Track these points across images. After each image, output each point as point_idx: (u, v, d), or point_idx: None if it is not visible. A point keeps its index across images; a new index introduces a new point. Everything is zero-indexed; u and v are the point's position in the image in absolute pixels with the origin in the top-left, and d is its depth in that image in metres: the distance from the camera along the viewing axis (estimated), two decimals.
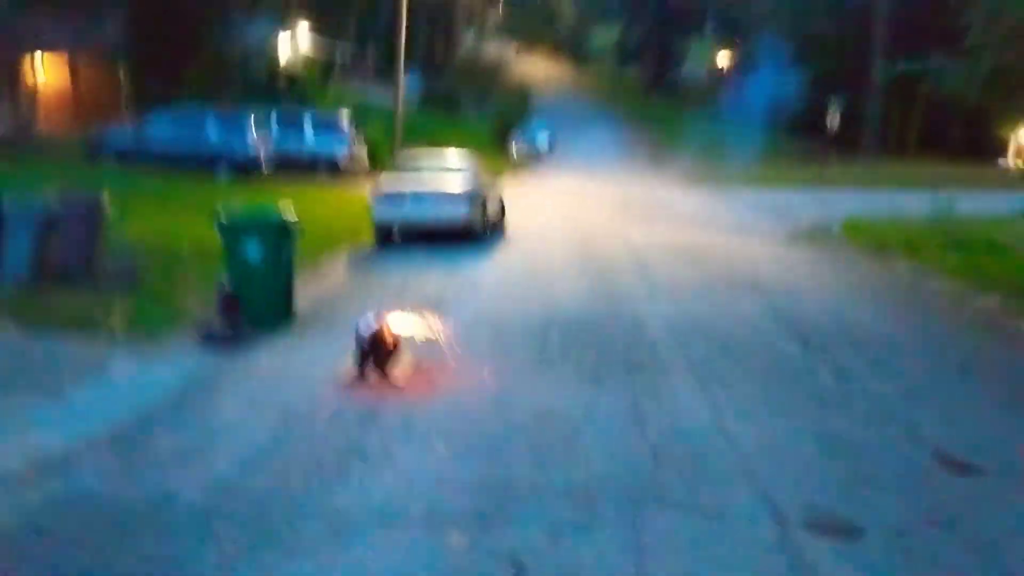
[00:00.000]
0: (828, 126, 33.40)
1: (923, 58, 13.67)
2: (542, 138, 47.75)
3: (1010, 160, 37.39)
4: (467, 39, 71.91)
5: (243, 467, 5.64)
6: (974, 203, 18.80)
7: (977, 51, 10.54)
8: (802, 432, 6.49)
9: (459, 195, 16.03)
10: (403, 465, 5.73)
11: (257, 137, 24.71)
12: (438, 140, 34.37)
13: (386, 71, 45.06)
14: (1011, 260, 14.17)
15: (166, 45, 28.32)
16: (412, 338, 7.88)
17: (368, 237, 16.41)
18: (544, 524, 4.91)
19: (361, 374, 7.53)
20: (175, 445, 6.02)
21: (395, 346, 8.02)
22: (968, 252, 14.84)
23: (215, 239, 9.73)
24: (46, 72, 31.26)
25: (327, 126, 28.47)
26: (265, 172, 24.82)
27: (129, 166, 22.32)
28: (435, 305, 10.74)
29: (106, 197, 10.51)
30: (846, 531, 4.96)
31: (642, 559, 4.59)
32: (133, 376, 7.49)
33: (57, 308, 8.96)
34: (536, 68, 77.30)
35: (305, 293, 10.76)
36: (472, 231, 16.14)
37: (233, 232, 9.34)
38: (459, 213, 15.86)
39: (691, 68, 71.76)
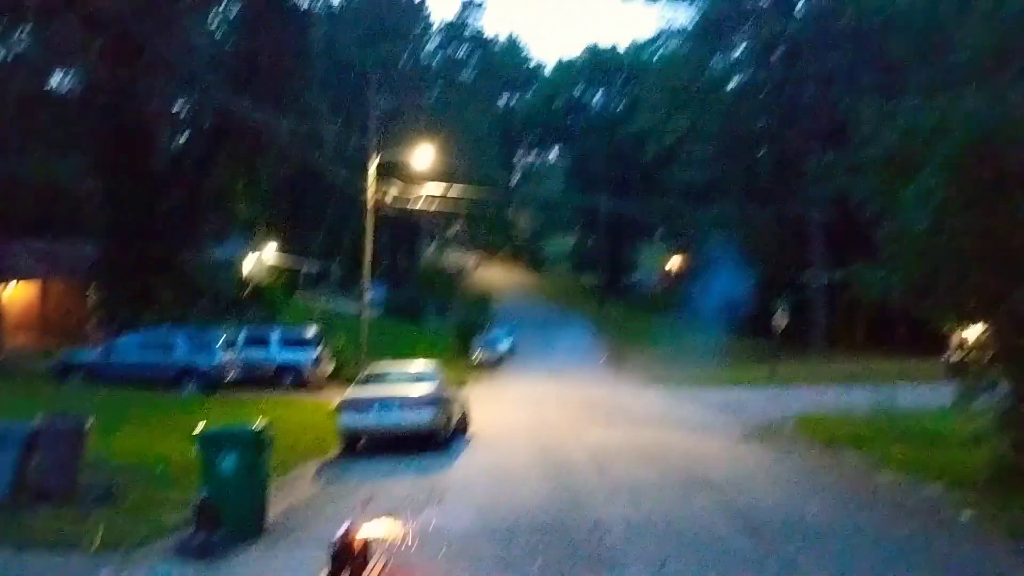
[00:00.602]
0: (775, 328, 34.96)
1: (847, 266, 14.87)
2: (503, 343, 48.88)
3: (951, 354, 38.87)
4: (429, 250, 74.52)
5: None
6: (918, 396, 19.73)
7: (892, 262, 11.69)
8: None
9: (424, 403, 16.63)
10: None
11: (224, 352, 25.34)
12: (403, 347, 35.25)
13: (351, 281, 46.58)
14: (951, 452, 14.88)
15: (137, 266, 29.38)
16: (383, 546, 8.27)
17: (335, 447, 16.82)
18: None
19: None
20: None
21: (366, 556, 8.37)
22: (911, 444, 15.58)
23: (188, 454, 10.20)
24: (16, 293, 31.96)
25: (293, 339, 29.26)
26: (232, 387, 25.29)
27: (98, 385, 22.66)
28: (403, 512, 11.12)
29: (88, 419, 10.99)
30: None
31: None
32: None
33: (39, 526, 9.24)
34: (496, 275, 79.92)
35: (277, 503, 11.10)
36: (437, 437, 16.64)
37: (210, 447, 9.83)
38: (424, 420, 16.40)
39: (644, 273, 74.77)
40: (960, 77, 10.27)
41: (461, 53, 63.88)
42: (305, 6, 37.93)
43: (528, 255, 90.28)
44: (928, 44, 12.48)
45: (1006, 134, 9.33)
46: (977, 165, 9.67)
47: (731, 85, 48.48)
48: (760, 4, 45.08)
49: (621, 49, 79.03)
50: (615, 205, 64.35)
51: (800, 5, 44.77)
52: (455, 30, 62.44)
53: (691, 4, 49.21)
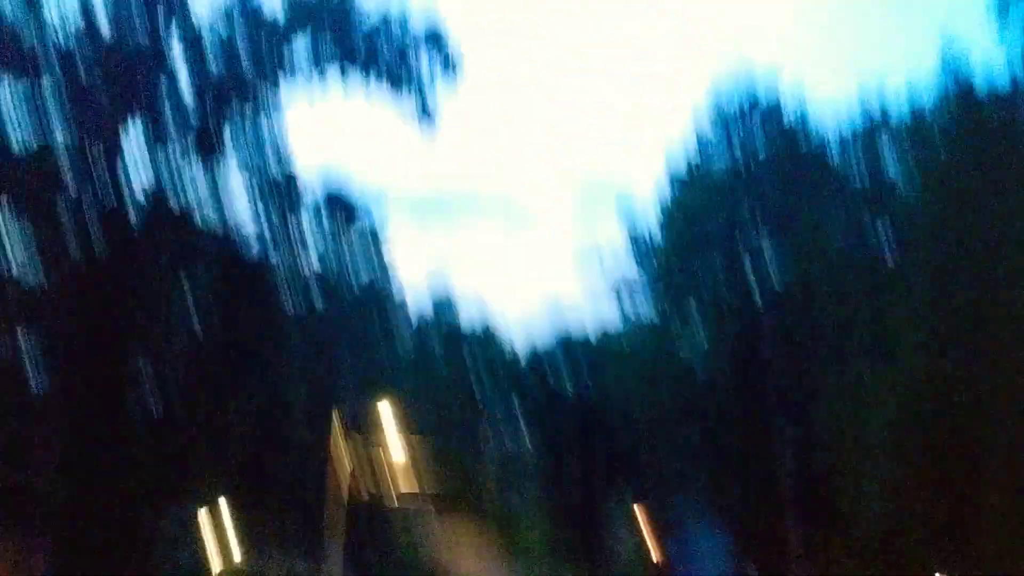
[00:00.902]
0: None
1: (821, 524, 14.88)
2: None
3: None
4: (393, 514, 72.94)
5: None
6: None
7: (858, 535, 11.68)
8: None
9: None
10: None
11: None
12: None
13: (314, 544, 44.91)
14: None
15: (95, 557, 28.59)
16: None
17: None
18: None
19: None
20: None
21: None
22: None
23: None
24: None
25: None
26: None
27: None
28: None
29: None
30: None
31: None
32: None
33: None
34: (462, 535, 77.66)
35: None
36: None
37: None
38: None
39: (614, 532, 73.26)
40: (897, 348, 10.80)
41: (435, 345, 68.11)
42: (284, 303, 39.83)
43: (495, 515, 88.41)
44: (869, 315, 13.19)
45: (939, 404, 9.70)
46: (919, 439, 9.96)
47: (693, 355, 50.84)
48: (715, 293, 48.08)
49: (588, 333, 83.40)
50: (582, 464, 64.01)
51: (752, 285, 47.52)
52: (425, 318, 67.10)
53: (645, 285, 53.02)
